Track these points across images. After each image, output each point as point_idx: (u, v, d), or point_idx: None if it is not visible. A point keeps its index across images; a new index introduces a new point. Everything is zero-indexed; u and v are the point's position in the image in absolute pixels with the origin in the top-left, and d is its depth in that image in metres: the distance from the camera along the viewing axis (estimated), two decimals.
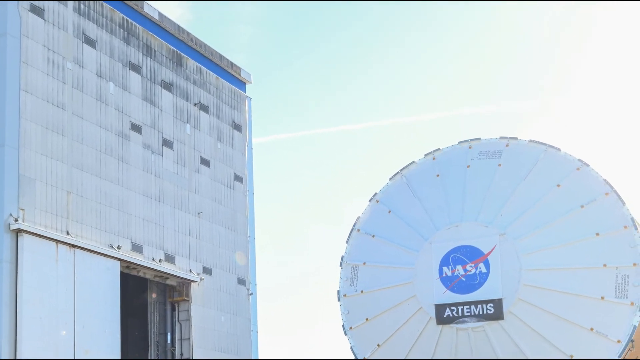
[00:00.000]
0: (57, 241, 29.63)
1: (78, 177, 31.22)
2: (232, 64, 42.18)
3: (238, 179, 41.38)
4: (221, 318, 38.40)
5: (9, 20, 29.01)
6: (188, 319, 36.64)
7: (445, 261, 17.90)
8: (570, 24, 70.87)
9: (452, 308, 17.57)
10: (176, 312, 36.91)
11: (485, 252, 17.57)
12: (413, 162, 19.73)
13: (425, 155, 19.67)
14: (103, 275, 31.53)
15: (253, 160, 43.15)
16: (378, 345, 18.60)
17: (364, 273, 19.08)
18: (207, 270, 38.07)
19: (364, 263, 19.14)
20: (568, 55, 71.66)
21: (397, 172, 19.74)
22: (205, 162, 39.00)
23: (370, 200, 19.82)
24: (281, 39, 77.59)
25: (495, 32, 73.52)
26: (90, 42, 32.77)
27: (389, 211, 19.25)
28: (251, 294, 40.89)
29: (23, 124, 29.10)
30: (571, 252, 17.22)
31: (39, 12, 30.35)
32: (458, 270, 17.77)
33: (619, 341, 16.66)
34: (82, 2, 32.46)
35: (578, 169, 18.00)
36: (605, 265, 16.99)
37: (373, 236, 19.24)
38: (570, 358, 16.94)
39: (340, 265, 19.55)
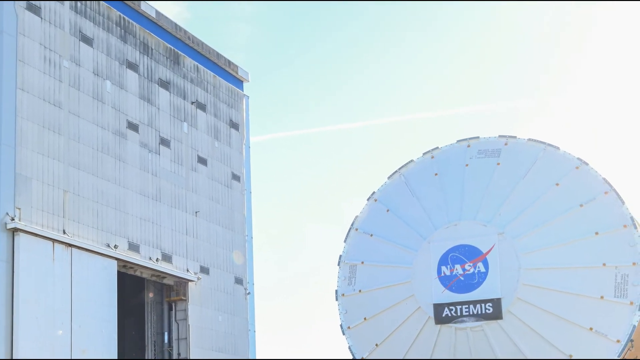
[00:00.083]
0: (53, 240, 29.52)
1: (75, 175, 31.11)
2: (229, 62, 42.06)
3: (235, 177, 41.28)
4: (219, 318, 38.30)
5: (5, 18, 28.89)
6: (185, 319, 36.54)
7: (443, 260, 17.85)
8: (569, 23, 70.91)
9: (451, 307, 17.52)
10: (173, 311, 36.81)
11: (484, 252, 17.52)
12: (411, 160, 19.69)
13: (424, 154, 19.64)
14: (100, 274, 31.43)
15: (251, 159, 43.04)
16: (376, 344, 18.55)
17: (362, 272, 19.03)
18: (204, 270, 37.97)
19: (362, 262, 19.09)
20: (567, 54, 71.70)
21: (396, 171, 19.70)
22: (202, 160, 38.89)
23: (368, 199, 19.78)
24: (279, 37, 77.52)
25: (494, 30, 73.53)
26: (87, 40, 32.65)
27: (387, 210, 19.20)
28: (249, 293, 40.79)
29: (19, 122, 28.98)
30: (570, 251, 17.18)
31: (35, 10, 30.22)
32: (456, 269, 17.72)
33: (618, 341, 16.63)
34: (79, 0, 32.32)
35: (577, 167, 17.97)
36: (604, 264, 16.96)
37: (371, 235, 19.18)
38: (569, 358, 16.89)
39: (338, 265, 19.50)
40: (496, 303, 17.16)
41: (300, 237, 75.57)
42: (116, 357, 31.70)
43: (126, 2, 35.02)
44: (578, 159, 18.08)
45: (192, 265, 37.15)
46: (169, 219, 35.95)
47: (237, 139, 41.87)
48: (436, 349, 17.83)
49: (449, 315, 17.52)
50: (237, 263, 40.23)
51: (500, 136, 19.01)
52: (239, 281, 40.37)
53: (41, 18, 30.48)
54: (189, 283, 36.72)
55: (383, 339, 18.44)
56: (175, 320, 36.66)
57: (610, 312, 16.74)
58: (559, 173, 17.93)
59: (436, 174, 18.99)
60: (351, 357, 19.05)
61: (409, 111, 74.00)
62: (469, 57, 73.22)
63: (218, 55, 41.14)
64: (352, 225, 19.69)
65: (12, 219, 28.05)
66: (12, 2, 29.12)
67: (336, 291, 19.34)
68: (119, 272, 32.75)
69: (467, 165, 18.73)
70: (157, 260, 34.88)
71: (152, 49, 36.28)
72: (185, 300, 36.46)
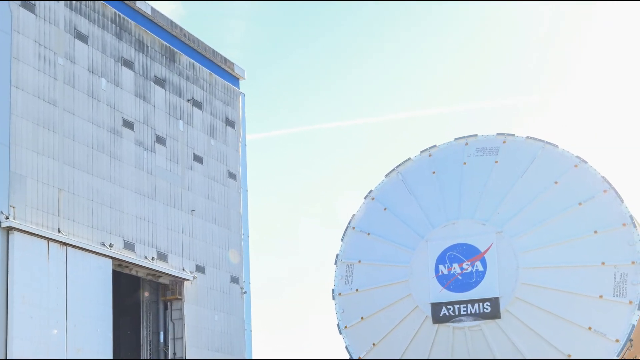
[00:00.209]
0: (48, 239, 29.35)
1: (69, 174, 30.94)
2: (225, 59, 41.90)
3: (232, 176, 41.13)
4: (214, 317, 38.16)
5: None
6: (181, 318, 36.40)
7: (441, 259, 17.76)
8: (567, 20, 70.86)
9: (449, 307, 17.43)
10: (169, 310, 36.67)
11: (482, 250, 17.44)
12: (409, 159, 19.59)
13: (421, 152, 19.55)
14: (95, 273, 31.27)
15: (247, 157, 42.91)
16: (373, 344, 18.45)
17: (359, 271, 18.93)
18: (200, 269, 37.82)
19: (359, 261, 18.99)
20: (565, 51, 71.64)
21: (393, 169, 19.61)
22: (198, 159, 38.73)
23: (365, 198, 19.68)
24: (275, 34, 77.35)
25: (493, 28, 73.45)
26: (82, 38, 32.46)
27: (385, 209, 19.10)
28: (245, 292, 40.65)
29: (14, 120, 28.81)
30: (569, 250, 17.11)
31: (30, 7, 30.03)
32: (454, 268, 17.63)
33: (617, 340, 16.57)
34: None
35: (576, 166, 17.89)
36: (603, 263, 16.88)
37: (368, 234, 19.08)
38: (568, 358, 16.79)
39: (335, 264, 19.39)
40: (494, 302, 17.07)
41: (296, 236, 75.48)
42: (111, 357, 31.55)
43: None
44: (577, 157, 18.01)
45: (187, 264, 37.00)
46: (165, 218, 35.79)
47: (233, 137, 41.71)
48: (434, 348, 17.73)
49: (447, 314, 17.43)
50: (233, 262, 40.08)
51: (498, 134, 18.93)
52: (235, 280, 40.22)
53: (36, 15, 30.29)
54: (185, 282, 36.57)
55: (380, 338, 18.35)
56: (171, 320, 36.52)
57: (609, 312, 16.68)
58: (558, 171, 17.85)
59: (434, 172, 18.90)
60: (348, 357, 18.93)
61: (407, 109, 73.91)
62: (467, 54, 73.21)
63: (214, 52, 40.97)
64: (349, 223, 19.60)
65: (7, 218, 27.88)
66: None
67: (333, 290, 19.25)
68: (114, 271, 32.60)
69: (465, 163, 18.65)
70: (152, 259, 34.73)
71: (147, 47, 36.09)
72: (181, 299, 36.32)
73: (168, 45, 37.51)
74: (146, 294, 36.47)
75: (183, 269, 36.62)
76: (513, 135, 18.76)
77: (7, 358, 27.27)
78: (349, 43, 75.92)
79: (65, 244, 30.03)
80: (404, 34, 73.47)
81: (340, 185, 75.33)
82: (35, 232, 28.77)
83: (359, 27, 75.44)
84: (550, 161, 18.04)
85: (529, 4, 64.78)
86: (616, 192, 17.40)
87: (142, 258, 34.14)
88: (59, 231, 30.00)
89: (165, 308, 36.75)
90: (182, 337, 36.26)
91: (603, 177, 17.62)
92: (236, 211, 41.05)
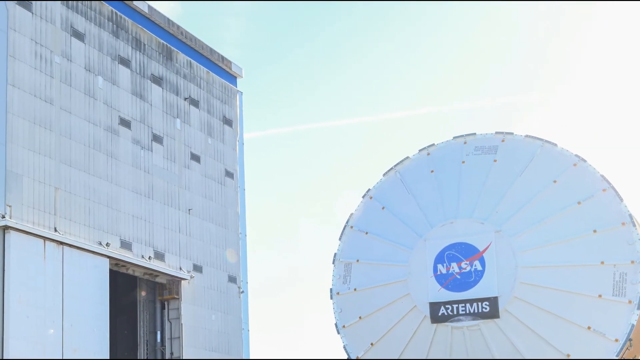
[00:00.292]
0: (44, 238, 29.24)
1: (66, 173, 30.82)
2: (222, 57, 41.78)
3: (229, 174, 41.02)
4: (212, 316, 38.06)
5: None
6: (178, 318, 36.30)
7: (439, 258, 17.68)
8: (567, 18, 70.80)
9: (447, 306, 17.35)
10: (166, 310, 36.57)
11: (481, 250, 17.36)
12: (407, 157, 19.51)
13: (420, 150, 19.47)
14: (91, 272, 31.17)
15: (244, 155, 42.81)
16: (371, 344, 18.37)
17: (357, 271, 18.85)
18: (197, 268, 37.71)
19: (357, 260, 18.91)
20: (565, 49, 71.61)
21: (391, 168, 19.53)
22: (195, 157, 38.62)
23: (363, 197, 19.60)
24: (273, 33, 77.23)
25: (491, 26, 73.37)
26: (79, 36, 32.34)
27: (383, 208, 19.01)
28: (242, 291, 40.55)
29: (10, 118, 28.69)
30: (568, 250, 17.03)
31: (26, 5, 29.90)
32: (453, 267, 17.55)
33: (616, 340, 16.49)
34: None
35: (575, 164, 17.81)
36: (602, 262, 16.80)
37: (366, 233, 19.00)
38: (567, 357, 16.72)
39: (333, 263, 19.31)
40: (493, 302, 17.00)
41: (294, 235, 75.40)
42: (108, 357, 31.46)
43: None
44: (576, 155, 17.93)
45: (185, 264, 36.89)
46: (162, 217, 35.69)
47: (231, 136, 41.60)
48: (432, 348, 17.65)
49: (445, 314, 17.35)
50: (230, 261, 39.98)
51: (497, 133, 18.84)
52: (232, 279, 40.11)
53: (32, 13, 30.17)
54: (182, 281, 36.46)
55: (378, 338, 18.26)
56: (168, 319, 36.42)
57: (609, 311, 16.60)
58: (557, 170, 17.78)
59: (432, 171, 18.82)
60: (346, 357, 18.85)
61: (405, 107, 73.83)
62: (466, 52, 73.13)
63: (211, 50, 40.85)
64: (347, 222, 19.51)
65: (3, 217, 27.76)
66: None
67: (331, 289, 19.17)
68: (111, 271, 32.50)
69: (463, 162, 18.57)
70: (149, 258, 34.62)
71: (144, 45, 35.97)
72: (178, 298, 36.22)
73: (165, 43, 37.39)
74: (143, 293, 36.37)
75: (180, 268, 36.51)
76: (512, 133, 18.69)
77: (3, 358, 27.15)
78: (347, 41, 75.86)
79: (61, 243, 29.92)
80: (402, 32, 73.43)
81: (338, 184, 75.28)
82: (31, 231, 28.67)
83: (357, 25, 75.37)
84: (549, 160, 17.96)
85: (528, 2, 64.71)
86: (615, 191, 17.32)
87: (139, 257, 34.03)
88: (55, 230, 29.88)
89: (162, 307, 36.65)
90: (179, 337, 36.16)
91: (602, 175, 17.55)
92: (233, 210, 40.95)
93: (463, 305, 17.25)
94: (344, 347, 18.85)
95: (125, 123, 34.27)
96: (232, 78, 42.56)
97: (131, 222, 33.84)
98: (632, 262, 16.67)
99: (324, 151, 76.89)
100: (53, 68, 30.89)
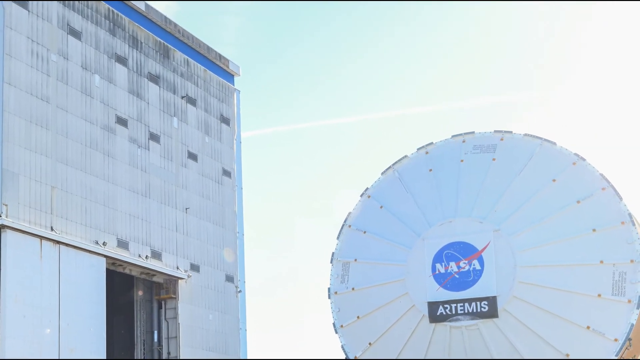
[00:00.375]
0: (41, 237, 29.13)
1: (62, 171, 30.70)
2: (220, 56, 41.67)
3: (226, 173, 40.90)
4: (209, 316, 37.95)
5: None
6: (175, 317, 36.20)
7: (438, 258, 17.60)
8: (566, 17, 70.78)
9: (446, 306, 17.27)
10: (163, 310, 36.47)
11: (480, 249, 17.27)
12: (405, 156, 19.43)
13: (418, 149, 19.39)
14: (88, 272, 31.06)
15: (242, 154, 42.69)
16: (369, 343, 18.29)
17: (355, 270, 18.76)
18: (194, 267, 37.61)
19: (355, 260, 18.83)
20: (564, 48, 71.61)
21: (389, 167, 19.45)
22: (192, 156, 38.50)
23: (361, 196, 19.52)
24: (270, 31, 77.14)
25: (491, 24, 73.34)
26: (75, 34, 32.20)
27: (381, 207, 18.93)
28: (240, 291, 40.45)
29: (6, 117, 28.58)
30: (567, 249, 16.96)
31: (22, 3, 29.79)
32: (451, 267, 17.47)
33: (616, 340, 16.41)
34: None
35: (574, 163, 17.73)
36: (602, 262, 16.72)
37: (364, 232, 18.91)
38: (566, 357, 16.64)
39: (331, 262, 19.22)
40: (492, 301, 16.92)
41: (292, 234, 75.33)
42: (105, 356, 31.36)
43: None
44: (575, 154, 17.85)
45: (182, 263, 36.78)
46: (159, 216, 35.58)
47: (228, 134, 41.49)
48: (430, 347, 17.57)
49: (444, 313, 17.27)
50: (227, 260, 39.89)
51: (495, 131, 18.77)
52: (229, 279, 40.01)
53: (29, 11, 30.04)
54: (179, 281, 36.36)
55: (376, 337, 18.18)
56: (165, 319, 36.32)
57: (608, 311, 16.53)
58: (556, 169, 17.70)
59: (431, 170, 18.75)
60: (344, 357, 18.76)
61: (403, 106, 73.82)
62: (465, 51, 73.10)
63: (208, 49, 40.74)
64: (345, 222, 19.44)
65: None
66: None
67: (329, 289, 19.09)
68: (107, 270, 32.39)
69: (462, 160, 18.49)
70: (146, 257, 34.51)
71: (141, 43, 35.84)
72: (175, 298, 36.12)
73: (162, 41, 37.27)
74: (140, 292, 36.26)
75: (177, 268, 36.41)
76: (511, 132, 18.60)
77: (0, 358, 27.03)
78: (345, 40, 75.80)
79: (58, 242, 29.81)
80: (400, 30, 73.37)
81: (336, 183, 75.24)
82: (28, 230, 28.56)
83: (354, 23, 75.29)
84: (548, 159, 17.89)
85: (528, 2, 64.66)
86: (615, 190, 17.24)
87: (135, 256, 33.92)
88: (51, 229, 29.76)
89: (159, 307, 36.54)
90: (176, 337, 36.06)
91: (601, 174, 17.47)
92: (231, 209, 40.85)
93: (462, 304, 17.18)
94: (342, 346, 18.76)
95: (122, 121, 34.14)
96: (229, 76, 42.46)
97: (128, 221, 33.73)
98: (632, 261, 16.60)
99: (322, 150, 76.87)
100: (49, 66, 30.76)
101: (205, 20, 73.77)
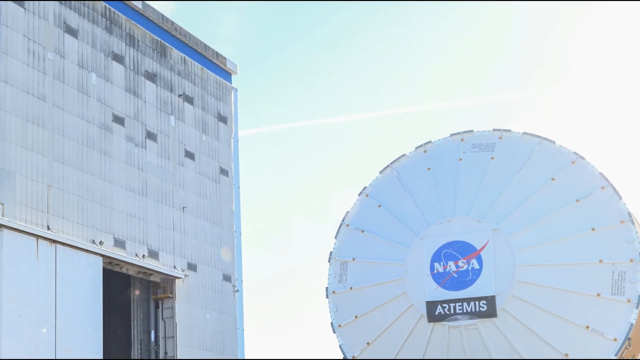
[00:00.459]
0: (37, 236, 28.99)
1: (59, 170, 30.56)
2: (217, 54, 41.54)
3: (224, 172, 40.79)
4: (206, 315, 37.85)
5: None
6: (172, 317, 36.08)
7: (436, 257, 17.56)
8: (566, 16, 70.71)
9: (444, 305, 17.23)
10: (160, 309, 36.33)
11: (478, 248, 17.23)
12: (404, 155, 19.40)
13: (416, 148, 19.35)
14: (85, 271, 30.94)
15: (239, 153, 42.58)
16: (367, 343, 18.24)
17: (353, 269, 18.71)
18: (191, 267, 37.50)
19: (353, 259, 18.78)
20: (563, 47, 71.53)
21: (388, 166, 19.41)
22: (190, 155, 38.39)
23: (359, 195, 19.48)
24: (268, 29, 76.99)
25: (489, 22, 73.21)
26: (72, 32, 32.06)
27: (379, 205, 18.88)
28: (237, 290, 40.35)
29: (2, 115, 28.43)
30: (566, 248, 16.93)
31: (18, 1, 29.62)
32: (450, 266, 17.42)
33: (615, 339, 16.39)
34: None
35: (573, 162, 17.70)
36: (601, 261, 16.69)
37: (362, 231, 18.86)
38: (565, 357, 16.59)
39: (329, 261, 19.16)
40: (490, 301, 16.88)
41: (289, 233, 75.20)
42: (101, 356, 31.25)
43: None
44: (574, 153, 17.82)
45: (179, 262, 36.67)
46: (156, 215, 35.46)
47: (225, 133, 41.37)
48: (429, 347, 17.53)
49: (442, 313, 17.22)
50: (225, 260, 39.76)
51: (494, 130, 18.74)
52: (227, 278, 39.90)
53: (25, 9, 29.89)
54: (176, 280, 36.25)
55: (374, 337, 18.14)
56: (162, 318, 36.20)
57: (607, 310, 16.50)
58: (555, 168, 17.67)
59: (429, 169, 18.71)
60: (342, 356, 18.69)
61: (402, 104, 73.73)
62: (463, 49, 72.97)
63: (206, 47, 40.61)
64: (343, 221, 19.39)
65: None
66: None
67: (327, 288, 19.04)
68: (104, 269, 32.26)
69: (460, 159, 18.46)
70: (143, 256, 34.39)
71: (138, 41, 35.71)
72: (172, 297, 36.00)
73: (159, 39, 37.13)
74: (137, 292, 36.13)
75: (174, 267, 36.30)
76: (509, 131, 18.57)
77: None
78: (343, 38, 75.69)
79: (54, 241, 29.68)
80: (398, 29, 73.25)
81: (334, 182, 75.13)
82: (24, 229, 28.42)
83: (352, 21, 75.17)
84: (547, 157, 17.85)
85: (528, 1, 64.57)
86: (614, 189, 17.21)
87: (132, 256, 33.80)
88: (48, 228, 29.63)
89: (156, 306, 36.41)
90: (173, 336, 35.95)
91: (601, 173, 17.44)
92: (228, 208, 40.74)
93: (460, 304, 17.14)
94: (340, 346, 18.71)
95: (118, 120, 34.01)
96: (226, 75, 42.33)
97: (125, 220, 33.61)
98: (631, 260, 16.57)
99: (320, 148, 76.77)
100: (46, 64, 30.62)
101: (203, 19, 73.60)
